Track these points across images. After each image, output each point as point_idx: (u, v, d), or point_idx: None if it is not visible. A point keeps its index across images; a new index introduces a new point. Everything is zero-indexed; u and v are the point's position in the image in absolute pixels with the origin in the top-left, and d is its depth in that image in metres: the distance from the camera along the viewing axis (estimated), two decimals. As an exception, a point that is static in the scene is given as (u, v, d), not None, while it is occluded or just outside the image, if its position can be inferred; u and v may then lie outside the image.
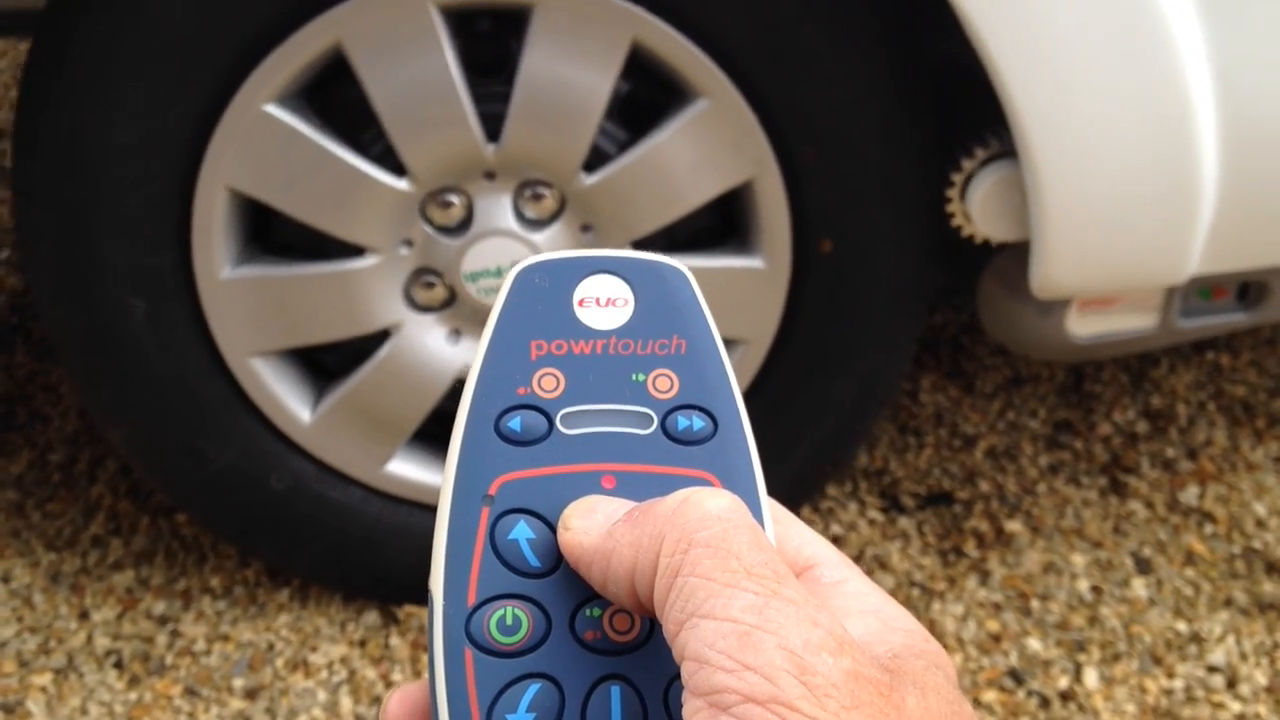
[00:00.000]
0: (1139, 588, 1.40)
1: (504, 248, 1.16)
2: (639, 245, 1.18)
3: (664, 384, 0.39)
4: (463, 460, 0.38)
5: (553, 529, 0.37)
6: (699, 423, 0.39)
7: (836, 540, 1.46)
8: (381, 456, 1.27)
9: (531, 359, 0.39)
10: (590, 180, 1.14)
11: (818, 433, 1.28)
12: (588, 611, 0.36)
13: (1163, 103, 1.01)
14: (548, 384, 0.39)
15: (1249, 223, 1.10)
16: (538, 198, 1.15)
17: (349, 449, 1.27)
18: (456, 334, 1.23)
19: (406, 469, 1.29)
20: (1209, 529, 1.48)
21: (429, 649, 0.36)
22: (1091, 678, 1.29)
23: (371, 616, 1.36)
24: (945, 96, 1.17)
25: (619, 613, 0.36)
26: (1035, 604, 1.38)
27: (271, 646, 1.33)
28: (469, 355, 1.23)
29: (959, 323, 1.81)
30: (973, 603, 1.38)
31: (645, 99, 1.18)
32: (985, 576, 1.41)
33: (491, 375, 0.39)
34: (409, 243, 1.18)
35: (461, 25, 1.14)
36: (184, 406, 1.24)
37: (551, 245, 1.16)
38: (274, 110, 1.11)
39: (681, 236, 1.22)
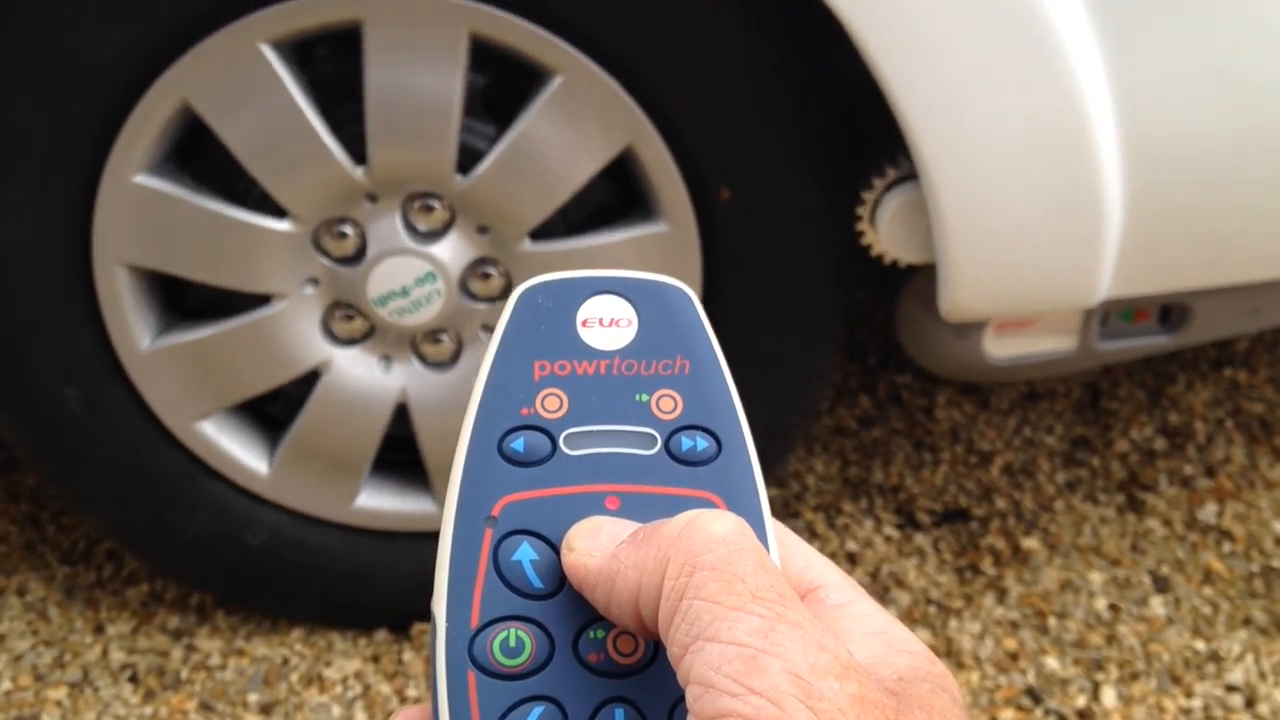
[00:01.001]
0: (1157, 606, 1.39)
1: (404, 265, 1.14)
2: (535, 235, 1.15)
3: (668, 404, 0.39)
4: (465, 481, 0.38)
5: (556, 550, 0.37)
6: (703, 443, 0.39)
7: (852, 557, 1.46)
8: (347, 494, 1.27)
9: (535, 379, 0.39)
10: (467, 181, 1.12)
11: (771, 384, 1.25)
12: (591, 633, 0.36)
13: (1062, 126, 1.00)
14: (551, 404, 0.39)
15: (1158, 246, 1.08)
16: (428, 209, 1.13)
17: (314, 492, 1.27)
18: (387, 360, 1.21)
19: (376, 501, 1.28)
20: (1227, 547, 1.47)
21: (431, 671, 0.36)
22: (1110, 696, 1.28)
23: (384, 632, 1.36)
24: (856, 118, 1.14)
25: (623, 635, 0.36)
26: (1053, 622, 1.37)
27: (286, 661, 1.33)
28: (405, 380, 1.22)
29: (974, 338, 1.80)
30: (990, 621, 1.37)
31: (509, 88, 1.16)
32: (1002, 594, 1.40)
33: (494, 395, 0.39)
34: (314, 280, 1.17)
35: (304, 56, 1.12)
36: (144, 483, 1.25)
37: (451, 253, 1.15)
38: (144, 180, 1.10)
39: (579, 217, 1.19)
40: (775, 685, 0.30)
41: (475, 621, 0.36)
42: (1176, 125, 1.01)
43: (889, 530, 1.49)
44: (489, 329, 1.18)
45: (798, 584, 0.39)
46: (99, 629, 1.37)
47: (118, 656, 1.33)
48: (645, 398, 0.39)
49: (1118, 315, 1.20)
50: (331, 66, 1.14)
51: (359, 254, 1.16)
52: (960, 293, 1.08)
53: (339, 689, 1.30)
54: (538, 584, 0.36)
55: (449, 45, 1.06)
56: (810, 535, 1.49)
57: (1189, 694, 1.28)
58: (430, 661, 0.36)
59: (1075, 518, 1.51)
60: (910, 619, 1.37)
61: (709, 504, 0.38)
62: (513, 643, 0.36)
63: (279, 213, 1.13)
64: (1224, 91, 1.00)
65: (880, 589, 1.41)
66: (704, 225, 1.14)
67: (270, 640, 1.35)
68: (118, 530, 1.32)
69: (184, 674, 1.31)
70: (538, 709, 0.35)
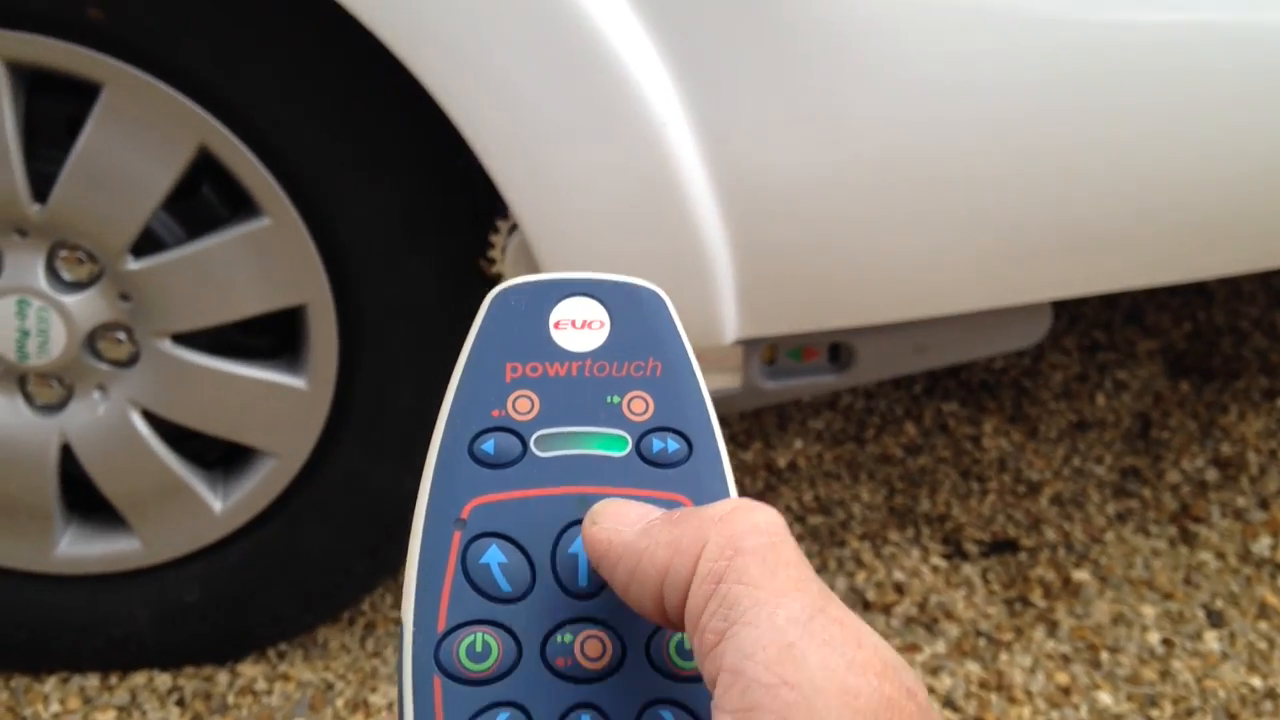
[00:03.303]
0: (1211, 641, 1.37)
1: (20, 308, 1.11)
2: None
3: (639, 406, 0.39)
4: (435, 483, 0.38)
5: (525, 553, 0.36)
6: (673, 445, 0.38)
7: (899, 587, 1.44)
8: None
9: (506, 381, 0.39)
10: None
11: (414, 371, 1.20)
12: (559, 638, 0.35)
13: (647, 174, 0.98)
14: (522, 406, 0.39)
15: (776, 288, 1.06)
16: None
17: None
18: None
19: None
20: (1283, 581, 1.44)
21: (398, 677, 0.35)
22: (1164, 734, 1.26)
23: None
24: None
25: (591, 639, 0.35)
26: (1105, 656, 1.35)
27: (331, 686, 1.33)
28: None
29: (1020, 366, 1.79)
30: (1041, 654, 1.35)
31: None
32: (1053, 627, 1.38)
33: (466, 398, 0.39)
34: None
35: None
36: (73, 624, 1.28)
37: (20, 269, 1.10)
38: None
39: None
40: (810, 678, 0.29)
41: (442, 626, 0.35)
42: (770, 168, 0.99)
43: (936, 560, 1.48)
44: (126, 297, 1.12)
45: None
46: (146, 652, 1.37)
47: (164, 680, 1.33)
48: (617, 399, 0.39)
49: (786, 353, 1.17)
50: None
51: None
52: None
53: (385, 715, 1.29)
54: (506, 587, 0.36)
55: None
56: (856, 564, 1.47)
57: (1246, 732, 1.26)
58: (397, 667, 0.36)
59: (1126, 550, 1.49)
60: (960, 651, 1.35)
61: (678, 506, 0.37)
62: (479, 647, 0.35)
63: None
64: (817, 133, 0.97)
65: (929, 619, 1.40)
66: (309, 214, 1.09)
67: (315, 665, 1.35)
68: (105, 664, 1.33)
69: (230, 699, 1.31)
70: (503, 715, 0.34)
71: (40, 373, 1.16)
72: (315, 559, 1.28)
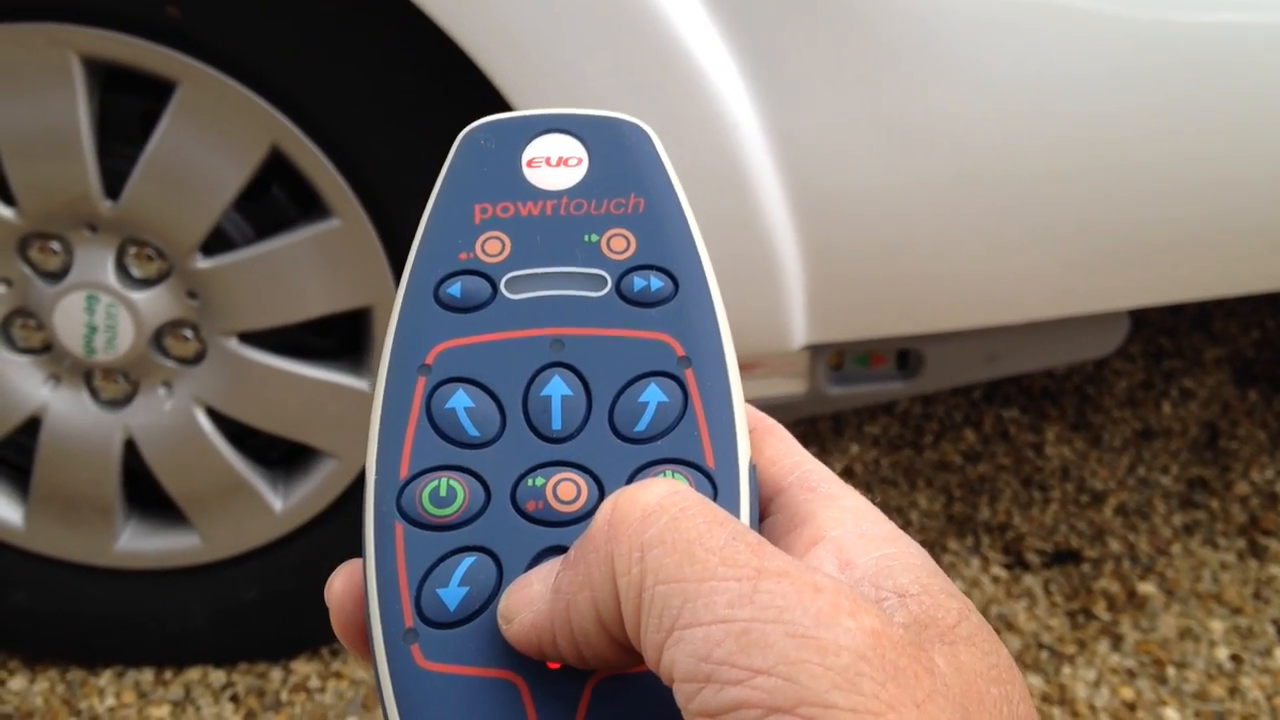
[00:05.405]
0: (1282, 658, 1.33)
1: (73, 306, 1.11)
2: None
3: (619, 244, 0.36)
4: (399, 331, 0.35)
5: (496, 399, 0.34)
6: (657, 283, 0.36)
7: (959, 596, 1.42)
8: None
9: (475, 223, 0.37)
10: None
11: None
12: (530, 481, 0.33)
13: (715, 174, 0.94)
14: (492, 248, 0.36)
15: (843, 294, 1.03)
16: (51, 252, 1.10)
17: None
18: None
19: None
20: (1356, 598, 1.40)
21: (361, 530, 0.33)
22: (1234, 753, 1.22)
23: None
24: None
25: (564, 481, 0.33)
26: (1171, 671, 1.32)
27: (384, 686, 1.32)
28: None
29: (1084, 373, 1.75)
30: (1105, 668, 1.32)
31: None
32: (1118, 641, 1.35)
33: (432, 242, 0.37)
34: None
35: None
36: (134, 620, 1.30)
37: (91, 266, 1.11)
38: None
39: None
40: (783, 656, 0.26)
41: (405, 473, 0.33)
42: (843, 171, 0.96)
43: (997, 570, 1.45)
44: (194, 295, 1.12)
45: (803, 478, 0.36)
46: (201, 647, 1.37)
47: (218, 676, 1.33)
48: (595, 238, 0.36)
49: (853, 359, 1.14)
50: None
51: (45, 345, 1.15)
52: None
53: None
54: (473, 432, 0.34)
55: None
56: (916, 573, 1.45)
57: (1319, 753, 1.23)
58: (362, 520, 0.34)
59: (1194, 562, 1.46)
60: (1021, 663, 1.33)
61: (665, 346, 0.35)
62: (443, 492, 0.33)
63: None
64: (891, 136, 0.94)
65: (989, 631, 1.37)
66: (378, 217, 1.08)
67: (367, 664, 1.34)
68: (160, 659, 1.33)
69: (284, 695, 1.31)
70: (469, 559, 0.32)
71: (107, 368, 1.16)
72: None
